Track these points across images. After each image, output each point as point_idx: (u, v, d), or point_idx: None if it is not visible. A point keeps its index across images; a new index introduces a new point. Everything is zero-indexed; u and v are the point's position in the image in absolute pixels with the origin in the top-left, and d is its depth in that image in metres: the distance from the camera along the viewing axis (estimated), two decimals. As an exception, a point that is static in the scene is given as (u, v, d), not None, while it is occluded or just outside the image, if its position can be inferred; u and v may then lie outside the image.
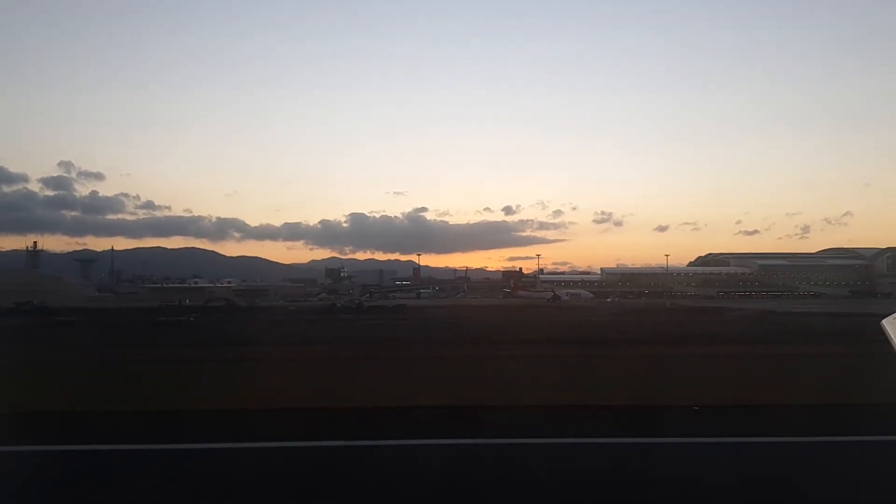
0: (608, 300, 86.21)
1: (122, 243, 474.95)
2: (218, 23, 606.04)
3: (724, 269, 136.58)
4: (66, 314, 53.12)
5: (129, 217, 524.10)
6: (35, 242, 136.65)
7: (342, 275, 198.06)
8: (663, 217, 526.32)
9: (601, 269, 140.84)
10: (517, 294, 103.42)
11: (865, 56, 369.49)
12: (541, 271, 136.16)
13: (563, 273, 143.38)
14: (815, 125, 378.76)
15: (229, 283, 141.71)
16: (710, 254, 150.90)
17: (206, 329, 35.48)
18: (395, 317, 45.12)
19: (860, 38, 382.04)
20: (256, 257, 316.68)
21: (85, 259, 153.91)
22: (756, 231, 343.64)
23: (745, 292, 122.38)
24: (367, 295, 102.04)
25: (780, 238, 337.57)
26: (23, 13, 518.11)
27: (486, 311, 54.35)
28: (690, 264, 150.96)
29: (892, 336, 3.99)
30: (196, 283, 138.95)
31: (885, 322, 4.33)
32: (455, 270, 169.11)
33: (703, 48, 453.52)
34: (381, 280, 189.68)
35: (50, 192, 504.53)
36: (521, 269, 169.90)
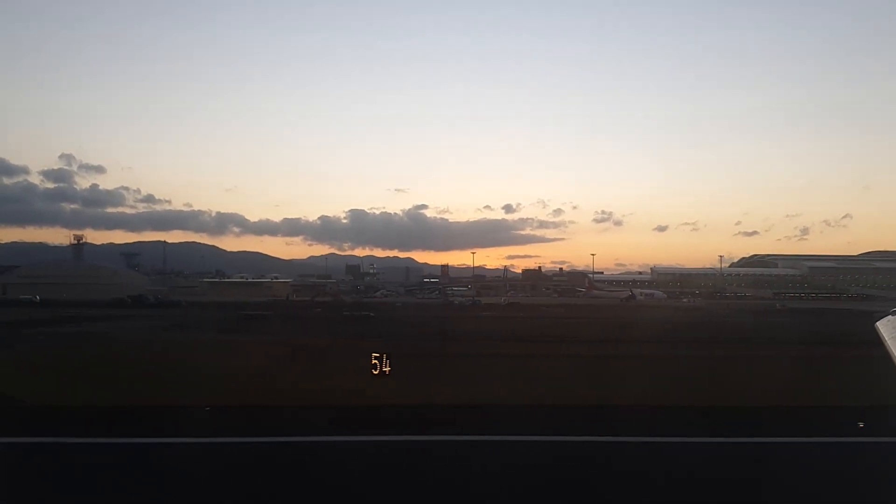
0: (684, 300, 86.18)
1: (121, 237, 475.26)
2: (220, 18, 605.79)
3: (773, 271, 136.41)
4: (190, 308, 53.20)
5: (128, 210, 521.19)
6: (80, 236, 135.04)
7: (371, 271, 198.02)
8: (663, 217, 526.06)
9: (651, 268, 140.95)
10: (591, 293, 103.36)
11: (866, 58, 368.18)
12: (594, 272, 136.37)
13: (615, 273, 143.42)
14: (816, 127, 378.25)
15: (275, 277, 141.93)
16: (756, 255, 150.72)
17: (394, 322, 35.68)
18: (543, 315, 44.96)
19: (861, 40, 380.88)
20: (257, 252, 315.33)
21: (130, 253, 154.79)
22: (755, 232, 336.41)
23: (797, 294, 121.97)
24: (437, 292, 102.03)
25: (779, 239, 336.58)
26: (24, 6, 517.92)
27: (608, 311, 53.91)
28: (734, 265, 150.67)
29: (887, 337, 3.95)
30: (244, 277, 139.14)
31: (878, 324, 4.27)
32: (449, 268, 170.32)
33: (705, 49, 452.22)
34: (408, 277, 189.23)
35: (50, 185, 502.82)
36: (539, 267, 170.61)
